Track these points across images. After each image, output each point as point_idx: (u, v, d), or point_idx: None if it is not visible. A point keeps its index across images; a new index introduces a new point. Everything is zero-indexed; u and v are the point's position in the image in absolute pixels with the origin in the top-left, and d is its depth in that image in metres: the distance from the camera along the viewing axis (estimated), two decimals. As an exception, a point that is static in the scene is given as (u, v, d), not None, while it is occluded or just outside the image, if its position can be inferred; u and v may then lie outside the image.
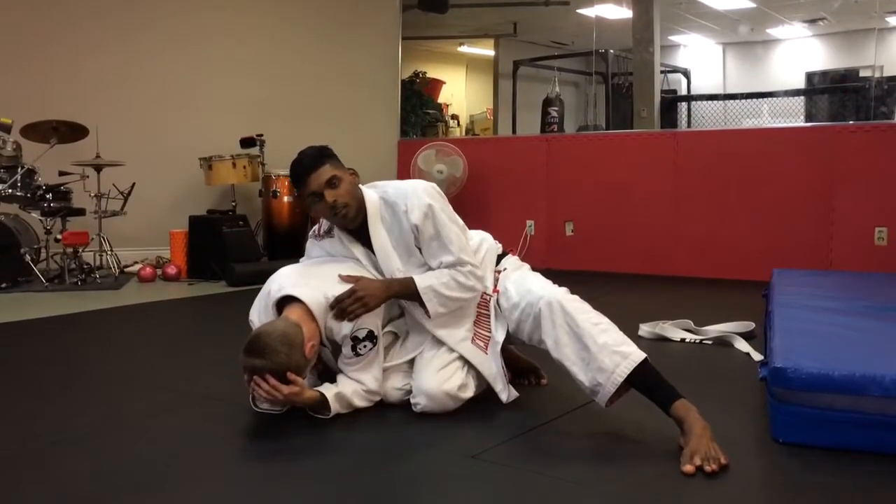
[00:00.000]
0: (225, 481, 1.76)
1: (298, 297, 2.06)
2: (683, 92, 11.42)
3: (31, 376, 2.72)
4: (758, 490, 1.75)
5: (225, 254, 5.10)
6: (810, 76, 10.21)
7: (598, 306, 2.15)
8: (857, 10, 10.46)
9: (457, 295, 2.21)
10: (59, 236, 4.83)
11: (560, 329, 2.07)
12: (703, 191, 5.48)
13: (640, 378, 1.99)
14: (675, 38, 12.33)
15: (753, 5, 10.43)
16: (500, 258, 2.40)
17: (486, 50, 11.82)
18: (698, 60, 12.64)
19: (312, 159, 2.20)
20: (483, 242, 2.41)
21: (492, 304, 2.29)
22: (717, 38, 12.52)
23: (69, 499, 1.66)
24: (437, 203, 2.23)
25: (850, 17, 10.79)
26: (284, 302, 2.11)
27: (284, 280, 2.16)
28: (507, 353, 2.38)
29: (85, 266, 4.93)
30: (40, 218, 4.85)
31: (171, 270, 5.23)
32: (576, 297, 2.15)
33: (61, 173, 4.96)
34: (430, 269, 2.26)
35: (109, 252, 5.22)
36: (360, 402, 2.17)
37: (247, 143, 5.83)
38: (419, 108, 9.49)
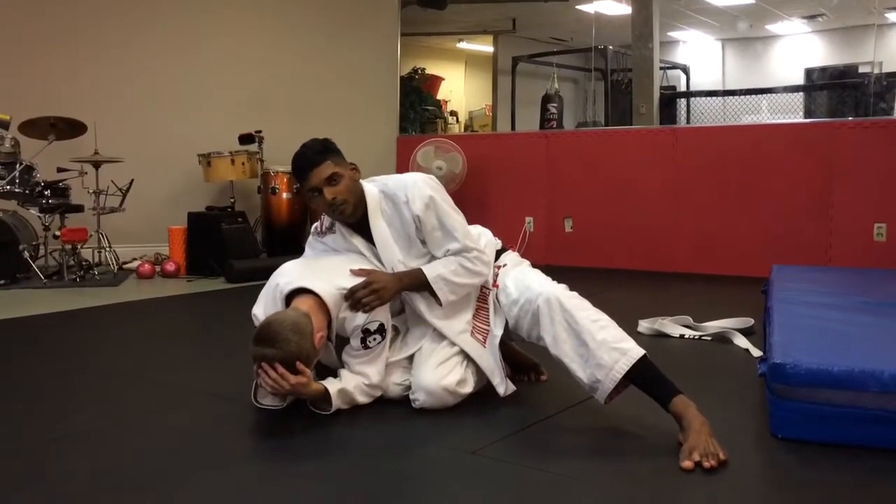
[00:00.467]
0: (225, 479, 1.76)
1: (311, 289, 2.07)
2: (682, 88, 11.43)
3: (29, 373, 2.72)
4: (756, 485, 1.75)
5: (224, 250, 5.10)
6: (809, 72, 10.22)
7: (596, 303, 2.15)
8: (856, 7, 10.46)
9: (466, 281, 2.23)
10: (57, 233, 4.82)
11: (559, 325, 2.07)
12: (702, 187, 5.48)
13: (639, 374, 1.99)
14: (674, 35, 12.33)
15: (752, 1, 10.43)
16: (499, 254, 2.40)
17: (485, 46, 11.82)
18: (697, 57, 12.65)
19: (314, 154, 2.21)
20: (482, 238, 2.41)
21: (491, 298, 2.29)
22: (717, 34, 12.53)
23: (68, 497, 1.66)
24: (437, 193, 2.24)
25: (849, 13, 10.79)
26: (293, 295, 2.11)
27: (292, 273, 2.17)
28: (506, 348, 2.39)
29: (83, 263, 4.92)
30: (39, 214, 4.85)
31: (170, 267, 5.23)
32: (574, 294, 2.15)
33: (59, 170, 4.95)
34: (433, 258, 2.27)
35: (108, 248, 5.22)
36: (361, 398, 2.17)
37: (245, 139, 5.82)
38: (418, 104, 9.50)
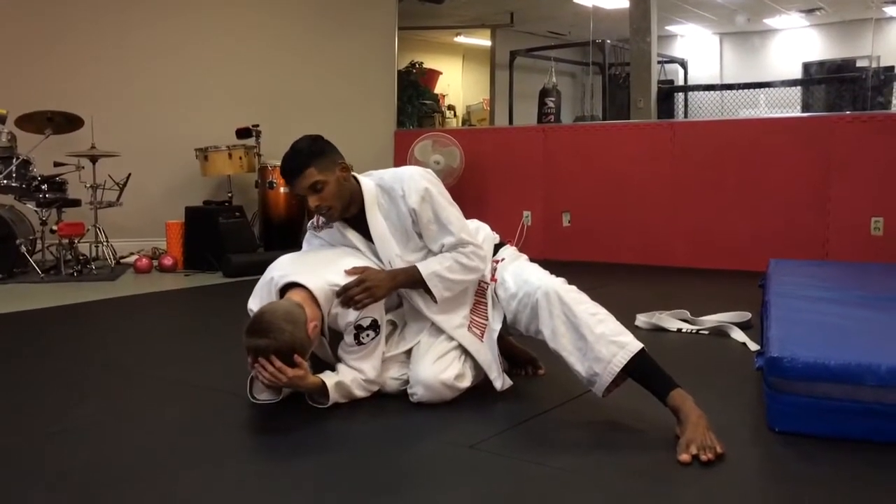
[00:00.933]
0: (223, 473, 1.76)
1: (303, 284, 2.07)
2: (680, 82, 11.42)
3: (26, 368, 2.72)
4: (754, 479, 1.76)
5: (221, 245, 5.09)
6: (807, 66, 10.22)
7: (594, 297, 2.15)
8: (853, 1, 10.45)
9: (461, 277, 2.22)
10: (54, 227, 4.81)
11: (557, 319, 2.08)
12: (699, 181, 5.48)
13: (637, 368, 1.99)
14: (672, 28, 12.30)
15: (750, -5, 10.41)
16: (497, 248, 2.40)
17: (482, 40, 11.79)
18: (695, 50, 12.63)
19: (298, 162, 2.18)
20: (480, 232, 2.41)
21: (489, 292, 2.29)
22: (715, 28, 12.50)
23: (67, 491, 1.66)
24: (433, 187, 2.23)
25: (847, 7, 10.77)
26: (287, 289, 2.11)
27: (287, 267, 2.17)
28: (504, 343, 2.39)
29: (81, 257, 4.92)
30: (36, 209, 4.84)
31: (168, 261, 5.22)
32: (573, 288, 2.15)
33: (56, 164, 4.94)
34: (430, 252, 2.26)
35: (105, 243, 5.21)
36: (358, 392, 2.17)
37: (243, 133, 5.81)
38: (416, 98, 9.48)
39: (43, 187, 4.79)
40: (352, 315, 2.11)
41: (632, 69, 8.76)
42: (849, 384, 1.86)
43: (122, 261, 5.35)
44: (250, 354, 1.98)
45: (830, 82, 9.12)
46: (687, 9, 10.99)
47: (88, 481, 1.70)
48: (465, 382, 2.20)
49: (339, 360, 2.20)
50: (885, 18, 11.01)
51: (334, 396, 2.11)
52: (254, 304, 2.18)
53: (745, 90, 9.59)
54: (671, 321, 3.31)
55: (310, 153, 2.20)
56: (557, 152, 6.12)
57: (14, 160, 4.74)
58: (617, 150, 5.85)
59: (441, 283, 2.19)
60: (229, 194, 5.78)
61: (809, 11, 11.15)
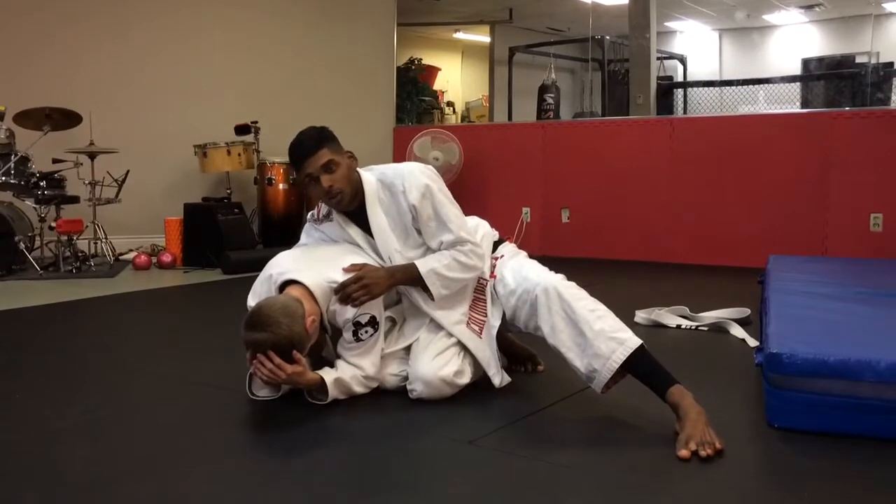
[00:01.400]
0: (222, 469, 1.76)
1: (301, 281, 2.07)
2: (679, 78, 11.41)
3: (26, 364, 2.72)
4: (753, 474, 1.76)
5: (220, 241, 5.09)
6: (806, 62, 10.20)
7: (593, 293, 2.15)
8: (853, -4, 10.43)
9: (459, 276, 2.22)
10: (53, 224, 4.81)
11: (556, 315, 2.08)
12: (698, 177, 5.48)
13: (636, 364, 1.99)
14: (671, 25, 12.29)
15: (750, -9, 10.40)
16: (496, 245, 2.40)
17: (481, 36, 11.78)
18: (694, 47, 12.62)
19: (311, 142, 2.20)
20: (480, 229, 2.41)
21: (488, 289, 2.29)
22: (714, 24, 12.49)
23: (66, 487, 1.66)
24: (434, 183, 2.23)
25: (846, 3, 10.76)
26: (285, 286, 2.11)
27: (286, 264, 2.17)
28: (504, 339, 2.39)
29: (80, 254, 4.91)
30: (34, 206, 4.83)
31: (167, 258, 5.22)
32: (572, 284, 2.15)
33: (55, 161, 4.93)
34: (429, 249, 2.26)
35: (104, 240, 5.20)
36: (358, 388, 2.17)
37: (242, 130, 5.81)
38: (415, 95, 9.48)
39: (41, 184, 4.78)
40: (350, 312, 2.11)
41: (631, 65, 8.75)
42: (848, 380, 1.86)
43: (120, 257, 5.34)
44: (249, 349, 1.98)
45: (830, 78, 9.11)
46: (686, 5, 10.98)
47: (87, 478, 1.70)
48: (465, 379, 2.20)
49: (338, 356, 2.20)
50: (885, 14, 11.00)
51: (333, 393, 2.11)
52: (252, 300, 2.18)
53: (745, 86, 9.58)
54: (670, 317, 3.31)
55: (321, 136, 2.22)
56: (556, 149, 6.11)
57: (12, 157, 4.73)
58: (616, 147, 5.84)
59: (439, 281, 2.19)
60: (228, 191, 5.78)
61: (809, 7, 11.14)
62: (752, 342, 2.91)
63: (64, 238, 4.85)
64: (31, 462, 1.79)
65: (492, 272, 2.31)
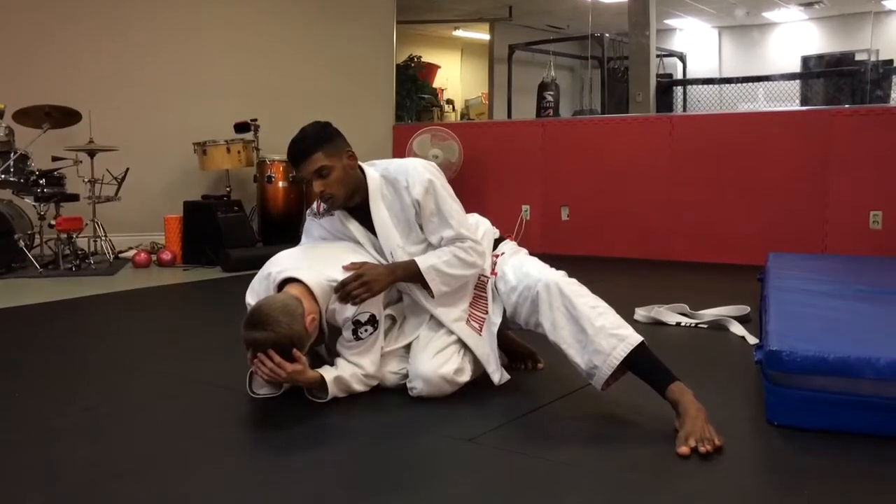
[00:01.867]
0: (222, 468, 1.76)
1: (301, 280, 2.07)
2: (679, 76, 11.41)
3: (25, 362, 2.72)
4: (752, 472, 1.76)
5: (220, 239, 5.09)
6: (806, 60, 10.20)
7: (593, 291, 2.15)
8: (853, -6, 10.42)
9: (459, 272, 2.22)
10: (52, 222, 4.81)
11: (557, 312, 2.08)
12: (698, 175, 5.48)
13: (637, 361, 1.99)
14: (670, 22, 12.29)
15: (749, -11, 10.39)
16: (497, 243, 2.40)
17: (481, 34, 11.78)
18: (694, 44, 12.62)
19: (306, 145, 2.19)
20: (480, 227, 2.41)
21: (489, 286, 2.29)
22: (713, 21, 12.49)
23: (66, 485, 1.66)
24: (437, 179, 2.24)
25: (846, 0, 10.75)
26: (284, 284, 2.11)
27: (285, 262, 2.17)
28: (504, 337, 2.39)
29: (79, 252, 4.91)
30: (34, 203, 4.83)
31: (166, 256, 5.22)
32: (573, 281, 2.15)
33: (54, 158, 4.93)
34: (430, 245, 2.26)
35: (104, 238, 5.20)
36: (358, 387, 2.17)
37: (241, 127, 5.80)
38: (414, 92, 9.47)
39: (41, 182, 4.78)
40: (349, 310, 2.11)
41: (630, 63, 8.75)
42: (847, 377, 1.86)
43: (120, 255, 5.34)
44: (249, 349, 1.98)
45: (829, 76, 9.11)
46: (686, 2, 10.98)
47: (87, 476, 1.70)
48: (465, 377, 2.20)
49: (338, 354, 2.20)
50: (885, 12, 11.00)
51: (333, 391, 2.11)
52: (251, 298, 2.18)
53: (744, 84, 9.58)
54: (670, 315, 3.31)
55: (318, 138, 2.20)
56: (556, 146, 6.11)
57: (12, 155, 4.72)
58: (616, 145, 5.84)
59: (439, 278, 2.19)
60: (228, 189, 5.77)
61: (808, 5, 11.14)
62: (752, 339, 2.92)
63: (63, 236, 4.84)
64: (31, 461, 1.79)
65: (492, 269, 2.31)
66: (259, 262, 2.27)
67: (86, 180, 5.08)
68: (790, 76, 9.45)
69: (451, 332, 2.23)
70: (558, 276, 2.14)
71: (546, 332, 2.10)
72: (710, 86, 10.03)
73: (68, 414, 2.12)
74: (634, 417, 2.04)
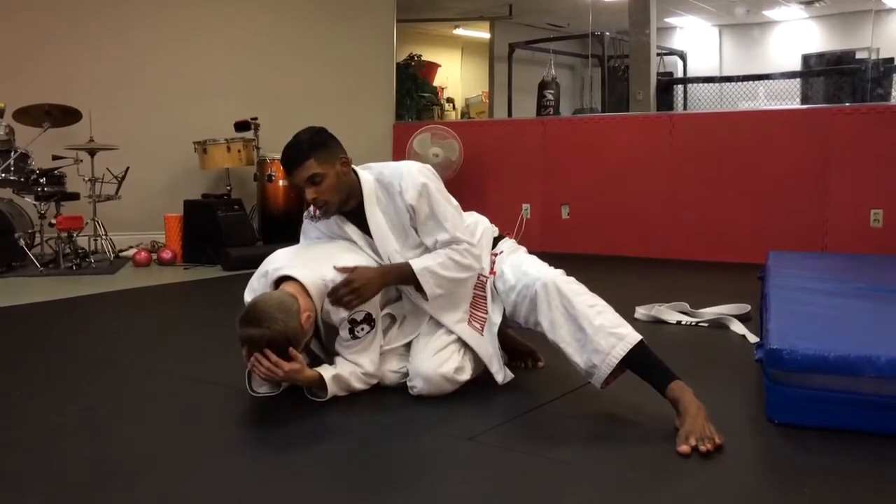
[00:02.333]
0: (222, 466, 1.76)
1: (297, 277, 2.06)
2: (679, 74, 11.40)
3: (25, 362, 2.72)
4: (753, 470, 1.76)
5: (220, 238, 5.09)
6: (806, 58, 10.20)
7: (593, 289, 2.14)
8: (853, -8, 10.41)
9: (454, 275, 2.21)
10: (53, 221, 4.81)
11: (556, 311, 2.07)
12: (698, 173, 5.47)
13: (636, 360, 1.99)
14: (671, 21, 12.28)
15: (750, -13, 10.37)
16: (496, 241, 2.40)
17: (481, 33, 11.76)
18: (694, 43, 12.61)
19: (299, 152, 2.18)
20: (479, 225, 2.40)
21: (488, 286, 2.29)
22: (714, 20, 12.48)
23: (66, 484, 1.66)
24: (431, 182, 2.22)
25: (846, -2, 10.74)
26: (281, 282, 2.11)
27: (282, 261, 2.17)
28: (504, 336, 2.39)
29: (79, 251, 4.91)
30: (34, 202, 4.83)
31: (167, 255, 5.22)
32: (572, 279, 2.15)
33: (55, 157, 4.93)
34: (427, 249, 2.25)
35: (104, 236, 5.20)
36: (357, 385, 2.17)
37: (241, 126, 5.80)
38: (414, 91, 9.46)
39: (41, 181, 4.78)
40: (344, 311, 2.10)
41: (631, 61, 8.73)
42: (848, 376, 1.86)
43: (121, 254, 5.34)
44: (245, 346, 1.97)
45: (830, 74, 9.11)
46: (686, 0, 10.97)
47: (87, 476, 1.70)
48: (465, 375, 2.20)
49: (335, 354, 2.20)
50: (885, 10, 10.98)
51: (332, 389, 2.11)
52: (249, 296, 2.18)
53: (745, 82, 9.57)
54: (670, 313, 3.31)
55: (311, 145, 2.18)
56: (556, 145, 6.11)
57: (12, 153, 4.73)
58: (616, 143, 5.84)
59: (433, 280, 2.18)
60: (228, 187, 5.77)
61: (809, 3, 11.12)
62: (753, 338, 2.91)
63: (64, 235, 4.85)
64: (31, 460, 1.79)
65: (491, 268, 2.31)
66: (259, 261, 2.27)
67: (86, 179, 5.08)
68: (791, 74, 9.44)
69: (450, 331, 2.23)
70: (556, 275, 2.14)
71: (545, 331, 2.10)
72: (711, 84, 10.02)
73: (68, 412, 2.12)
74: (634, 416, 2.03)
